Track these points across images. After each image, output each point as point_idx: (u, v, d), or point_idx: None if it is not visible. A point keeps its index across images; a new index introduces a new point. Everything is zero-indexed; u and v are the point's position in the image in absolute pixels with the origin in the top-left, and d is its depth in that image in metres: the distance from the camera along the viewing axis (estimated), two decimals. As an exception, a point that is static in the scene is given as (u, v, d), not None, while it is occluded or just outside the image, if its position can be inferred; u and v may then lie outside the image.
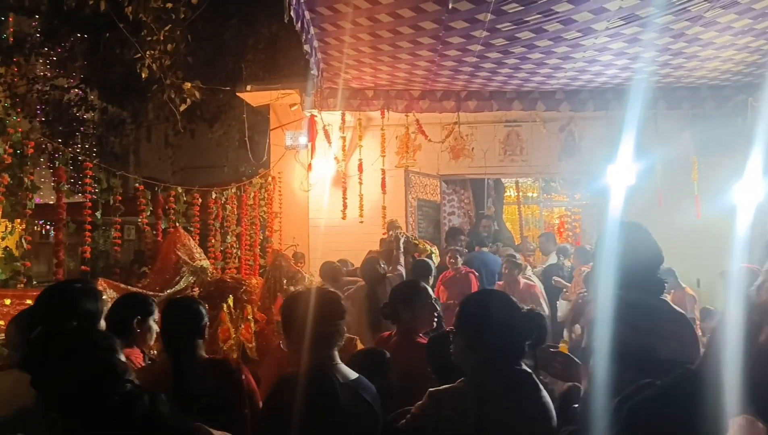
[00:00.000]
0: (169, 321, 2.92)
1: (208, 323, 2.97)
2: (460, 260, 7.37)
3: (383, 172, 9.01)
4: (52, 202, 7.51)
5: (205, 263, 5.17)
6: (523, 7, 5.10)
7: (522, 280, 6.86)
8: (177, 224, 5.95)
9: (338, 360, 2.43)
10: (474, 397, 2.27)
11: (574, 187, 11.86)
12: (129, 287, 4.41)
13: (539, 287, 7.04)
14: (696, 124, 8.75)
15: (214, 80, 11.60)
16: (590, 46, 6.12)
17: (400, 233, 7.04)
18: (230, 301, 4.58)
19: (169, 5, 7.11)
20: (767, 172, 7.02)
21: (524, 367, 2.39)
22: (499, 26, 5.53)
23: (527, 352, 2.43)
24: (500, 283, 7.07)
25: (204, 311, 2.96)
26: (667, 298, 2.60)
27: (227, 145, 15.00)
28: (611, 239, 2.53)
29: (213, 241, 7.08)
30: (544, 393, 2.37)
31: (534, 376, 2.39)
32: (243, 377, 2.89)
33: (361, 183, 8.99)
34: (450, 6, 5.06)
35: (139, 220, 5.68)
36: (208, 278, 5.00)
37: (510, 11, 5.18)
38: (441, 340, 2.83)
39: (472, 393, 2.28)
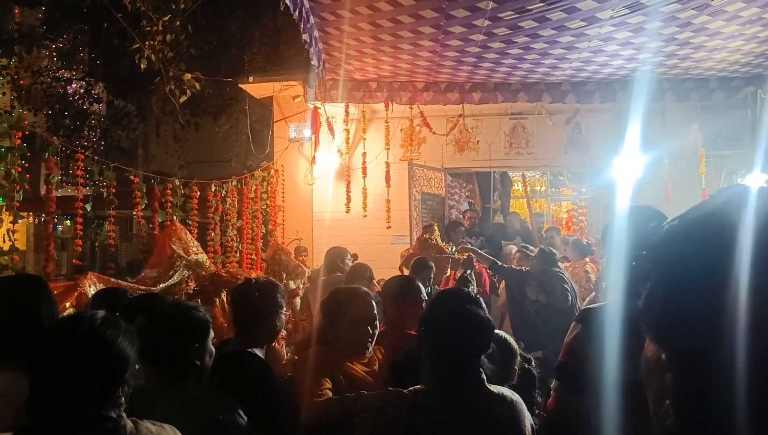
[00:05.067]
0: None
1: None
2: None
3: (387, 165, 8.90)
4: (68, 195, 7.46)
5: (201, 257, 5.10)
6: (525, -4, 4.99)
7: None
8: (174, 217, 5.87)
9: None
10: (409, 406, 2.18)
11: (581, 181, 11.72)
12: (120, 282, 4.35)
13: None
14: (704, 117, 8.61)
15: (219, 73, 11.52)
16: (595, 36, 5.99)
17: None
18: (224, 295, 4.51)
19: (169, -5, 7.03)
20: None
21: (479, 375, 2.25)
22: (500, 15, 5.41)
23: (482, 360, 2.30)
24: None
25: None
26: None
27: (235, 139, 14.94)
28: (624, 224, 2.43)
29: (212, 234, 7.01)
30: (500, 403, 2.25)
31: (486, 384, 2.26)
32: None
33: (365, 176, 8.89)
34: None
35: (134, 213, 5.63)
36: (204, 272, 4.93)
37: (512, -1, 5.07)
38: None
39: (410, 400, 2.20)
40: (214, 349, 2.54)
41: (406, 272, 6.21)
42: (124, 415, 1.75)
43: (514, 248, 7.82)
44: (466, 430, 2.17)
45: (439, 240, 6.99)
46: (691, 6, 5.21)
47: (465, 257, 6.52)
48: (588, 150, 9.35)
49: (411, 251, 6.99)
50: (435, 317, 2.31)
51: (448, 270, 6.57)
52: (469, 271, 6.30)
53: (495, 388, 2.29)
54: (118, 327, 1.77)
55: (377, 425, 2.24)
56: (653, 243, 0.82)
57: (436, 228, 7.15)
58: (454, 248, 7.07)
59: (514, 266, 6.91)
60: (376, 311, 2.84)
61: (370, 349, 2.79)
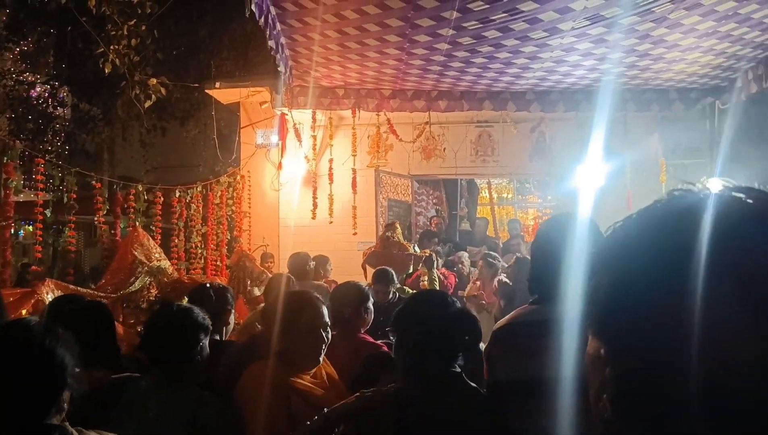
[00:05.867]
0: None
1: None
2: (440, 262, 7.31)
3: (354, 171, 8.92)
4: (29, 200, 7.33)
5: (164, 264, 5.05)
6: (488, 6, 5.05)
7: (495, 282, 6.83)
8: (136, 223, 5.82)
9: None
10: (394, 403, 2.22)
11: (546, 188, 11.89)
12: (78, 289, 4.29)
13: None
14: (664, 127, 8.80)
15: (187, 78, 11.43)
16: (557, 46, 6.09)
17: (434, 253, 6.91)
18: (185, 302, 4.48)
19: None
20: (733, 174, 7.06)
21: (457, 369, 2.32)
22: (465, 24, 5.48)
23: (461, 356, 2.37)
24: (478, 281, 7.06)
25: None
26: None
27: (203, 144, 14.80)
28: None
29: (176, 240, 6.95)
30: (477, 396, 2.32)
31: (465, 378, 2.33)
32: None
33: (331, 182, 8.89)
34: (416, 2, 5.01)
35: (95, 218, 5.57)
36: (166, 279, 4.89)
37: (475, 9, 5.13)
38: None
39: (392, 398, 2.24)
40: (208, 349, 2.64)
41: (369, 270, 6.28)
42: (67, 424, 1.75)
43: (465, 255, 7.95)
44: (453, 422, 2.22)
45: (401, 237, 7.03)
46: (650, 19, 5.34)
47: (427, 255, 6.60)
48: (552, 158, 9.49)
49: (373, 249, 7.03)
50: (418, 316, 2.36)
51: (411, 267, 6.62)
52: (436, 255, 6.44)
53: (470, 383, 2.36)
54: (54, 333, 1.77)
55: (363, 427, 2.28)
56: (603, 241, 0.82)
57: (398, 226, 7.20)
58: (417, 246, 7.15)
59: (473, 274, 7.09)
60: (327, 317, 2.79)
61: (322, 357, 2.75)
